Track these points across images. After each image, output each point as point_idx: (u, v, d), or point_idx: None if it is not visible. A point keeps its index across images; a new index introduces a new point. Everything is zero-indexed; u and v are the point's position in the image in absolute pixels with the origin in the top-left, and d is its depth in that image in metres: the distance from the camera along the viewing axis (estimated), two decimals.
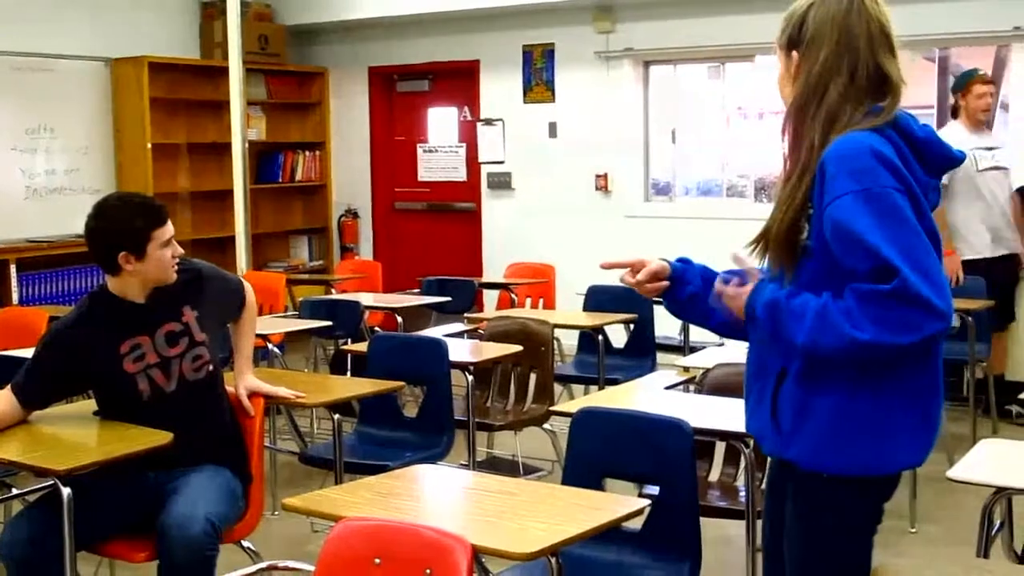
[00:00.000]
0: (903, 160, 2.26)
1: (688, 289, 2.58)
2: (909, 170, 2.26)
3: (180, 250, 3.64)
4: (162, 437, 3.41)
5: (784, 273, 2.34)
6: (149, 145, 8.92)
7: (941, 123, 8.75)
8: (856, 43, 2.34)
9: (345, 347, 5.82)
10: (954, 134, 6.46)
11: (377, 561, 2.49)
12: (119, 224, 3.54)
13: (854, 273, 2.20)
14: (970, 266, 6.44)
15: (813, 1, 2.39)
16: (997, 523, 3.17)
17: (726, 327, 2.58)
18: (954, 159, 2.41)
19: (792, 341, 2.24)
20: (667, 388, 4.36)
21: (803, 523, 2.41)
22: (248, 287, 4.14)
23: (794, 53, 2.39)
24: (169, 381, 3.60)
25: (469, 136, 9.96)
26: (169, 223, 3.61)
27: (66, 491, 3.19)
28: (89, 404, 3.76)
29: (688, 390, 4.41)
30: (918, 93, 9.09)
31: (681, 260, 2.61)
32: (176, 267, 3.64)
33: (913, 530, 4.76)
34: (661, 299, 2.64)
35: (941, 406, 2.39)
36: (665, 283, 2.58)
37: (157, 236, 3.54)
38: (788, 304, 2.26)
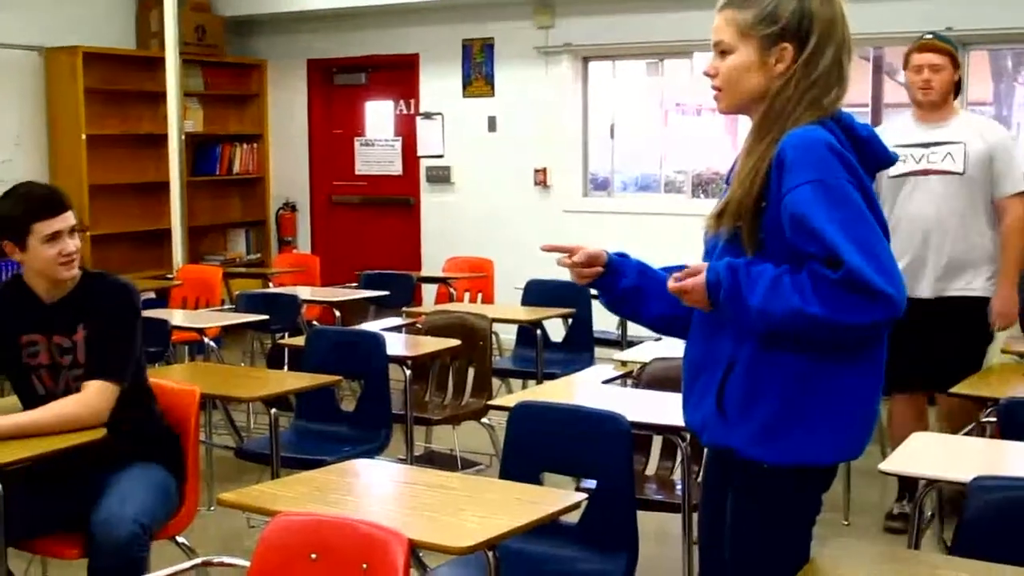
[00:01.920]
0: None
1: (624, 282, 2.58)
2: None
3: (71, 248, 3.46)
4: (95, 432, 3.37)
5: (745, 245, 2.35)
6: (84, 136, 8.81)
7: (875, 122, 8.87)
8: (846, 47, 2.38)
9: (282, 341, 5.79)
10: (893, 126, 5.01)
11: (313, 556, 2.48)
12: (2, 213, 3.47)
13: (812, 258, 2.23)
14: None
15: None
16: (928, 515, 3.22)
17: (661, 321, 2.60)
18: (889, 159, 2.44)
19: (747, 303, 2.26)
20: (604, 382, 4.39)
21: (742, 514, 2.43)
22: (106, 389, 3.46)
23: (786, 45, 2.35)
24: (57, 386, 3.53)
25: (406, 129, 9.94)
26: (60, 218, 3.44)
27: None
28: (16, 400, 3.70)
29: (625, 384, 4.44)
30: (853, 91, 9.20)
31: (619, 254, 2.61)
32: (73, 269, 3.49)
33: (846, 523, 4.82)
34: (596, 292, 2.65)
35: (879, 400, 2.43)
36: (600, 269, 2.58)
37: (38, 230, 3.42)
38: (748, 268, 2.28)
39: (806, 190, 2.22)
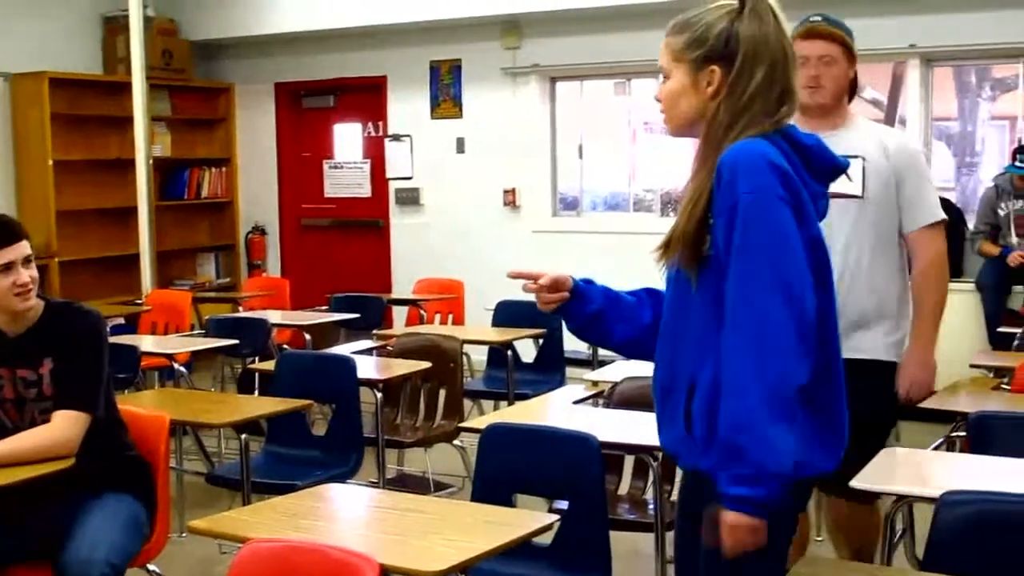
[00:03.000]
0: (792, 166, 2.30)
1: (590, 307, 2.59)
2: (799, 177, 2.30)
3: (25, 278, 3.39)
4: (64, 461, 3.34)
5: (689, 278, 2.35)
6: (50, 162, 8.77)
7: None
8: (782, 62, 2.35)
9: (252, 366, 5.78)
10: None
11: None
12: None
13: None
14: None
15: (726, 15, 2.37)
16: (899, 530, 3.23)
17: (630, 345, 2.60)
18: (838, 166, 2.43)
19: (764, 462, 2.19)
20: (575, 402, 4.38)
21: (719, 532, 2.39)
22: (76, 419, 3.42)
23: (714, 68, 2.35)
24: (23, 420, 3.48)
25: (375, 152, 9.94)
26: (12, 249, 3.37)
27: None
28: None
29: (597, 404, 4.44)
30: None
31: (584, 280, 2.62)
32: (29, 300, 3.43)
33: (819, 539, 4.84)
34: (562, 317, 2.64)
35: (845, 413, 2.39)
36: (566, 294, 2.59)
37: None
38: (724, 455, 2.23)
39: (742, 202, 2.22)
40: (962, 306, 7.07)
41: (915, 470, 3.28)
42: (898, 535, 3.22)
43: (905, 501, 3.10)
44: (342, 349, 5.98)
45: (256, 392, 5.39)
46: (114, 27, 9.43)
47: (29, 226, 3.73)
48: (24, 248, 3.43)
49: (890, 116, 8.58)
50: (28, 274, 3.42)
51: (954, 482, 2.93)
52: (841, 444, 2.37)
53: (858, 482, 3.05)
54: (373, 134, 9.99)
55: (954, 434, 3.91)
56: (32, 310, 3.49)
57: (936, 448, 4.05)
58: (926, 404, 3.95)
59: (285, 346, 6.99)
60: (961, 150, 8.70)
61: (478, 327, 6.98)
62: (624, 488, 4.36)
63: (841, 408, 2.37)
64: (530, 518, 2.91)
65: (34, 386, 3.48)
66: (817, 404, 2.31)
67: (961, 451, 3.68)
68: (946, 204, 7.42)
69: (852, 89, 3.78)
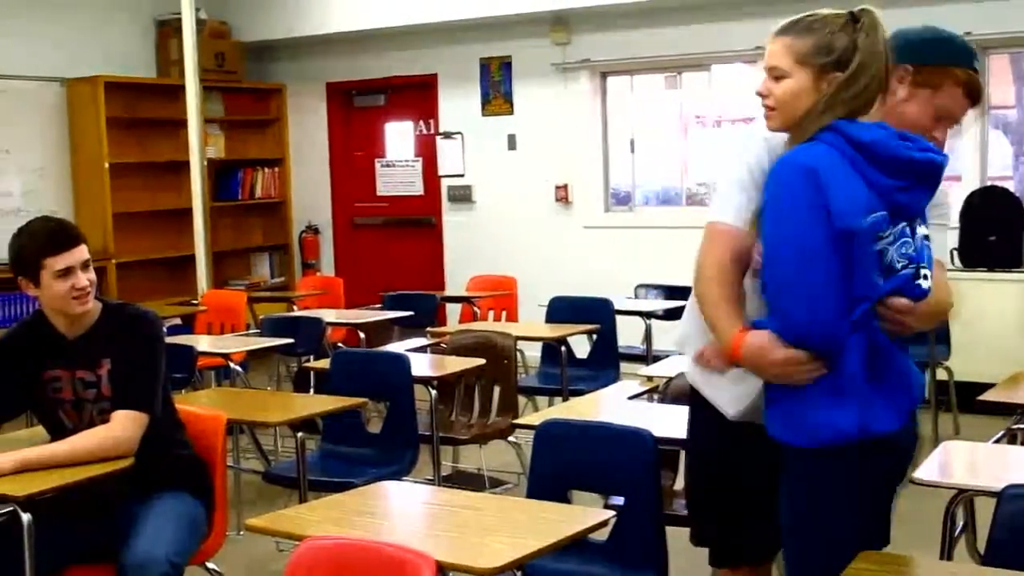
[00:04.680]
0: (853, 162, 2.46)
1: None
2: (862, 172, 2.46)
3: (83, 282, 3.44)
4: (123, 461, 3.38)
5: None
6: (106, 165, 8.87)
7: None
8: (882, 71, 2.57)
9: (307, 364, 5.80)
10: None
11: None
12: (14, 250, 3.47)
13: None
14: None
15: (846, 25, 2.56)
16: (960, 525, 3.19)
17: None
18: (894, 158, 2.50)
19: None
20: (630, 398, 4.37)
21: (789, 496, 2.65)
22: (134, 419, 3.45)
23: (838, 74, 2.53)
24: (81, 420, 3.52)
25: (426, 150, 9.96)
26: (71, 253, 3.42)
27: (26, 517, 3.15)
28: (43, 431, 3.71)
29: (652, 399, 4.42)
30: None
31: None
32: (87, 304, 3.47)
33: None
34: None
35: (856, 380, 2.50)
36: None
37: (49, 265, 3.40)
38: None
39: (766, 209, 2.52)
40: (1022, 298, 6.98)
41: (975, 463, 3.24)
42: (959, 529, 3.19)
43: (965, 495, 3.06)
44: (396, 347, 5.99)
45: (311, 391, 5.41)
46: (167, 30, 9.52)
47: (86, 229, 3.78)
48: (82, 252, 3.47)
49: None
50: (86, 278, 3.46)
51: (1016, 475, 2.89)
52: (856, 415, 2.51)
53: (919, 475, 3.03)
54: (424, 132, 10.01)
55: (1015, 426, 3.86)
56: (90, 313, 3.52)
57: (997, 441, 4.00)
58: (986, 397, 3.93)
59: (339, 344, 7.02)
60: (1019, 139, 8.57)
61: (531, 323, 6.97)
62: (680, 483, 4.34)
63: (853, 387, 2.51)
64: (585, 515, 2.90)
65: (93, 387, 3.51)
66: (874, 372, 2.51)
67: (1023, 444, 3.63)
68: (1005, 194, 7.39)
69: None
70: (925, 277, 2.51)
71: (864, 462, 2.55)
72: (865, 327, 2.48)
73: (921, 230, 2.55)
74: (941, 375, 6.49)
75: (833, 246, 2.41)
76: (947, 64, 2.78)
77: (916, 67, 2.76)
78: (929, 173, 2.56)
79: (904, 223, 2.50)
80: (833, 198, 2.41)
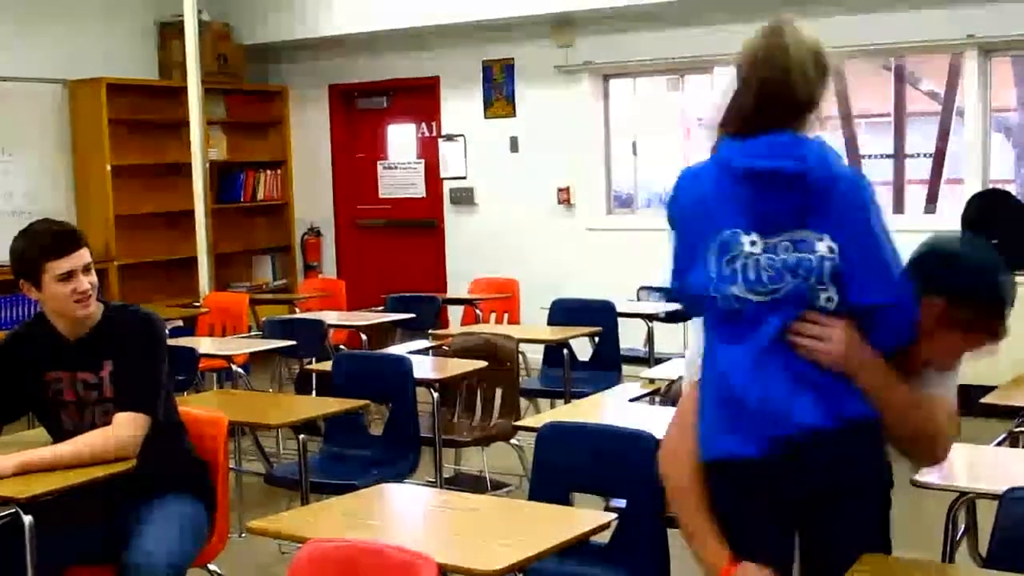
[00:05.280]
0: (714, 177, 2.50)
1: None
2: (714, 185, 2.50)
3: (85, 286, 3.43)
4: (125, 463, 3.38)
5: None
6: (108, 167, 8.87)
7: (899, 132, 8.83)
8: (753, 84, 2.48)
9: (309, 366, 5.80)
10: None
11: None
12: (16, 252, 3.47)
13: None
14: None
15: (759, 39, 2.50)
16: (962, 527, 3.19)
17: None
18: (743, 167, 2.44)
19: None
20: (631, 400, 4.37)
21: None
22: (136, 421, 3.45)
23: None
24: (83, 421, 3.52)
25: (428, 152, 9.96)
26: (73, 257, 3.41)
27: (27, 519, 3.16)
28: (44, 432, 3.71)
29: (653, 402, 4.42)
30: (875, 102, 9.18)
31: None
32: (88, 307, 3.46)
33: None
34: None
35: (732, 390, 2.40)
36: None
37: (51, 268, 3.40)
38: None
39: None
40: None
41: (977, 466, 3.24)
42: (960, 532, 3.18)
43: (967, 498, 3.06)
44: (398, 349, 6.00)
45: (313, 393, 5.41)
46: (169, 32, 9.52)
47: (88, 230, 3.79)
48: (84, 256, 3.47)
49: (947, 109, 8.49)
50: (88, 281, 3.46)
51: (1018, 478, 2.89)
52: (732, 431, 2.41)
53: (920, 477, 3.02)
54: (427, 134, 10.02)
55: (1017, 429, 3.86)
56: (91, 315, 3.52)
57: (999, 444, 4.00)
58: (989, 399, 3.93)
59: (342, 347, 7.02)
60: (1021, 142, 8.58)
61: (534, 326, 6.97)
62: None
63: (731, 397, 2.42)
64: (587, 517, 2.90)
65: (94, 388, 3.51)
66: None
67: None
68: (1007, 196, 7.39)
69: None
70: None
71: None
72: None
73: (821, 246, 2.36)
74: None
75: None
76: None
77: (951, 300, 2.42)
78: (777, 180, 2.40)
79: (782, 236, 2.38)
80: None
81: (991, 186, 7.67)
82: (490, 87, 9.43)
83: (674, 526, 3.55)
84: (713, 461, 2.45)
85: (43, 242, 3.45)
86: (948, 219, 7.52)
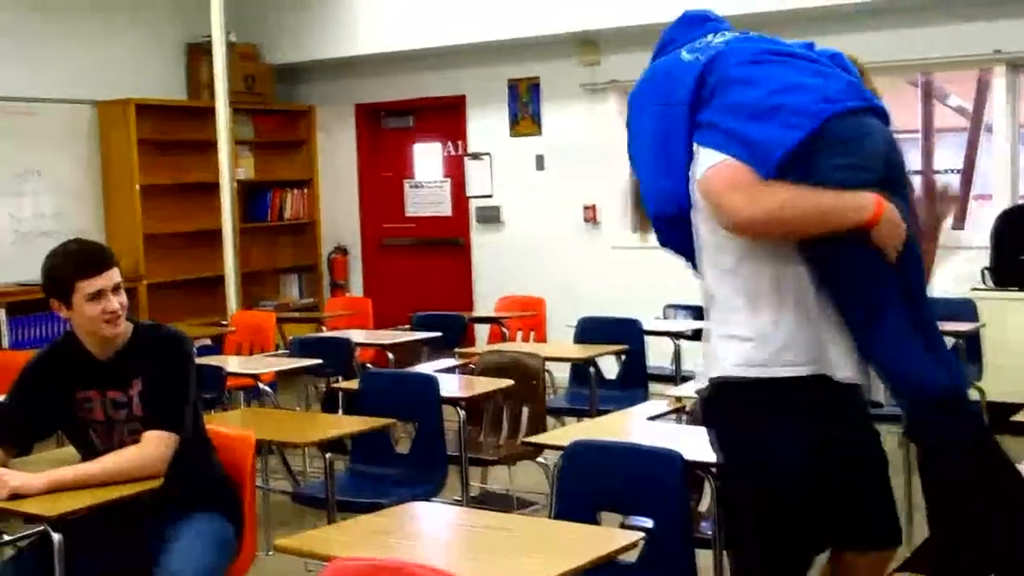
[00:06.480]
0: None
1: None
2: None
3: (114, 306, 3.44)
4: (154, 481, 3.39)
5: None
6: (137, 186, 8.93)
7: (927, 148, 8.78)
8: None
9: (336, 385, 5.80)
10: None
11: None
12: (48, 271, 3.48)
13: None
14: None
15: None
16: None
17: None
18: None
19: None
20: (650, 419, 4.34)
21: None
22: (165, 439, 3.46)
23: None
24: (112, 440, 3.53)
25: (454, 170, 9.98)
26: (103, 276, 3.42)
27: (56, 537, 3.17)
28: (74, 451, 3.73)
29: (680, 420, 4.40)
30: (903, 118, 9.14)
31: None
32: (117, 327, 3.47)
33: None
34: None
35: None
36: None
37: (81, 288, 3.41)
38: None
39: None
40: None
41: None
42: None
43: None
44: (425, 367, 5.99)
45: (340, 411, 5.42)
46: (197, 53, 9.59)
47: (117, 250, 3.80)
48: (114, 276, 3.48)
49: (976, 124, 8.45)
50: (117, 301, 3.47)
51: None
52: None
53: None
54: (453, 153, 10.04)
55: None
56: (121, 334, 3.54)
57: None
58: (1020, 417, 3.89)
59: (368, 365, 7.03)
60: None
61: (560, 344, 6.96)
62: (704, 505, 4.31)
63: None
64: (614, 536, 2.89)
65: (123, 407, 3.53)
66: None
67: None
68: None
69: None
70: None
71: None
72: None
73: None
74: (974, 395, 6.44)
75: None
76: None
77: None
78: None
79: None
80: None
81: (1021, 202, 7.63)
82: (516, 105, 9.45)
83: (702, 546, 3.53)
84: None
85: (74, 261, 3.46)
86: (977, 235, 7.48)
